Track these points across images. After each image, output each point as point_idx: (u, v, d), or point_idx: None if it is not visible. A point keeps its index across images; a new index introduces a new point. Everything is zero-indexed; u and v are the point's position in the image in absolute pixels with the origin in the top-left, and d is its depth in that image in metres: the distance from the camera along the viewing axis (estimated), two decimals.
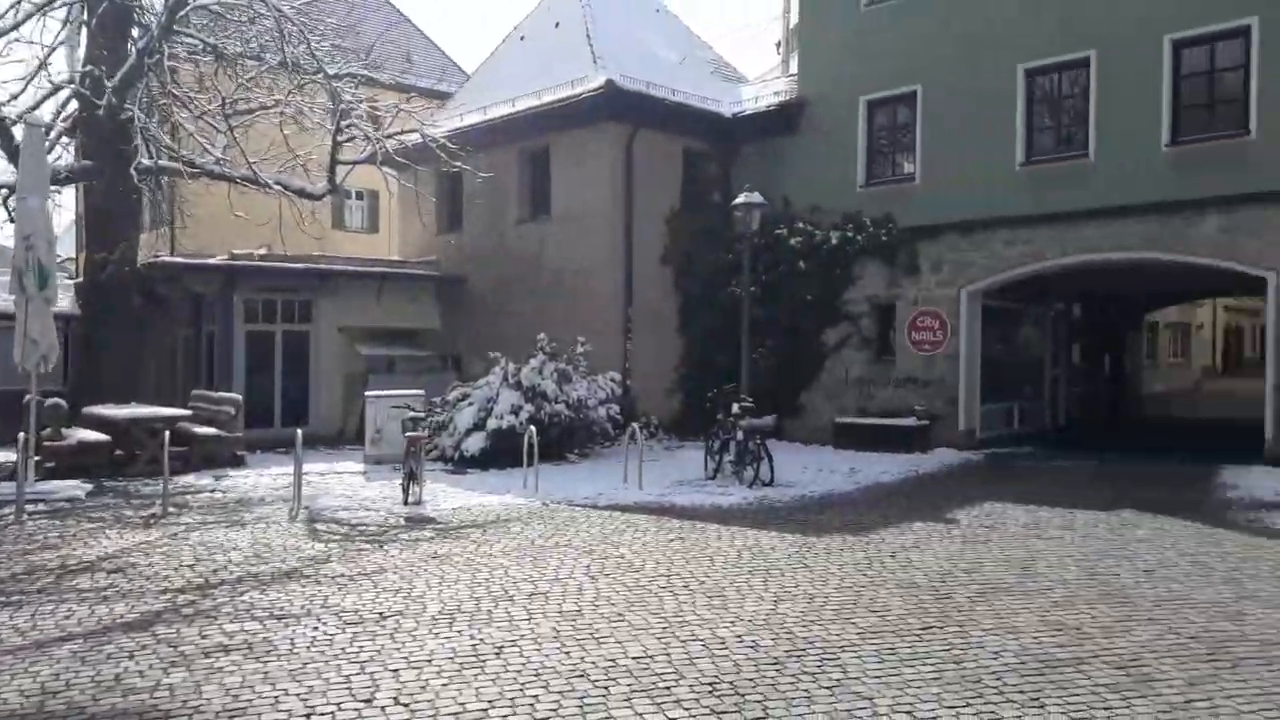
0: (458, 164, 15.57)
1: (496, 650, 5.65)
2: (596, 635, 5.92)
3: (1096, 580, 7.26)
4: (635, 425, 13.19)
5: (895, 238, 16.86)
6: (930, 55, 16.30)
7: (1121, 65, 14.39)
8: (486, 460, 14.47)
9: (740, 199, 14.37)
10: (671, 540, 8.90)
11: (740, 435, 12.66)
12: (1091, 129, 14.77)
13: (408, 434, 11.43)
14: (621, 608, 6.54)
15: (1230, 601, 6.61)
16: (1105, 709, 4.69)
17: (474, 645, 5.75)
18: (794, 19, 19.29)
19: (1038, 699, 4.81)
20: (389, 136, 15.43)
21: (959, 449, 16.22)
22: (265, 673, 5.30)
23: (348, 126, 15.03)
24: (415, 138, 16.13)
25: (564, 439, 15.37)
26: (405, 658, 5.55)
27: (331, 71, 14.68)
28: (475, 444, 14.61)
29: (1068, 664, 5.33)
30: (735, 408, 13.09)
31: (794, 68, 18.94)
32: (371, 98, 16.00)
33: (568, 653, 5.59)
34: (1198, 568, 7.63)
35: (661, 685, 5.05)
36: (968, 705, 4.74)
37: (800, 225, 17.74)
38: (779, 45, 24.03)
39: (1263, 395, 13.98)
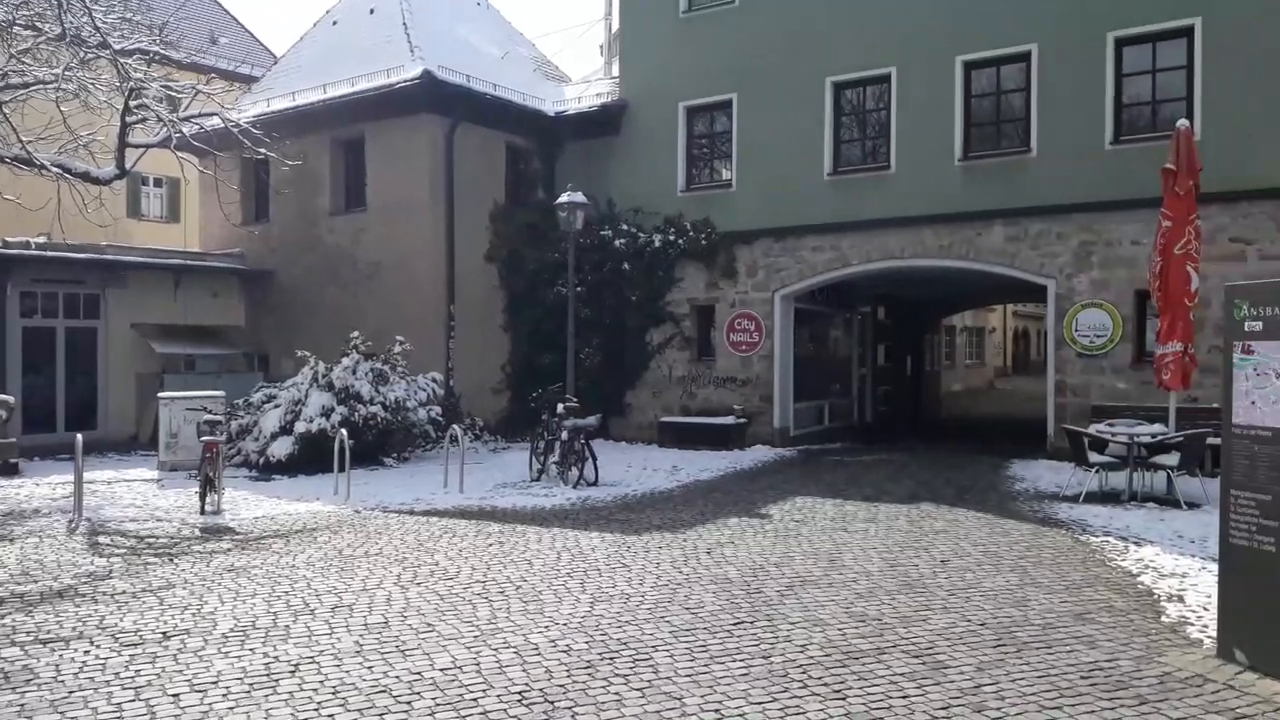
0: (262, 150, 14.64)
1: (292, 668, 5.28)
2: (403, 647, 5.65)
3: (897, 571, 7.60)
4: (456, 427, 12.83)
5: (714, 242, 17.24)
6: (745, 65, 16.77)
7: (919, 83, 15.29)
8: (295, 466, 13.72)
9: (564, 198, 14.29)
10: (489, 545, 8.67)
11: (564, 436, 12.55)
12: (893, 142, 15.61)
13: (203, 438, 10.64)
14: (432, 617, 6.27)
15: (1016, 588, 7.07)
16: (902, 697, 4.87)
17: (267, 664, 5.36)
18: (616, 22, 19.37)
19: (840, 691, 4.94)
20: (185, 119, 14.31)
21: (774, 446, 16.77)
22: (21, 704, 4.74)
23: (138, 107, 13.82)
24: (216, 122, 15.05)
25: (381, 442, 14.78)
26: (188, 680, 5.10)
27: (118, 46, 13.44)
28: (282, 449, 13.82)
29: (869, 654, 5.51)
30: (560, 408, 12.98)
31: (617, 70, 19.04)
32: (166, 76, 14.77)
33: (370, 667, 5.29)
34: (988, 557, 8.13)
35: (469, 697, 4.85)
36: (774, 700, 4.81)
37: (625, 226, 17.85)
38: (603, 47, 24.13)
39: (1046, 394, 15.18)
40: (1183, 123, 10.91)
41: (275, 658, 5.46)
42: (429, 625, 6.09)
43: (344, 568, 7.78)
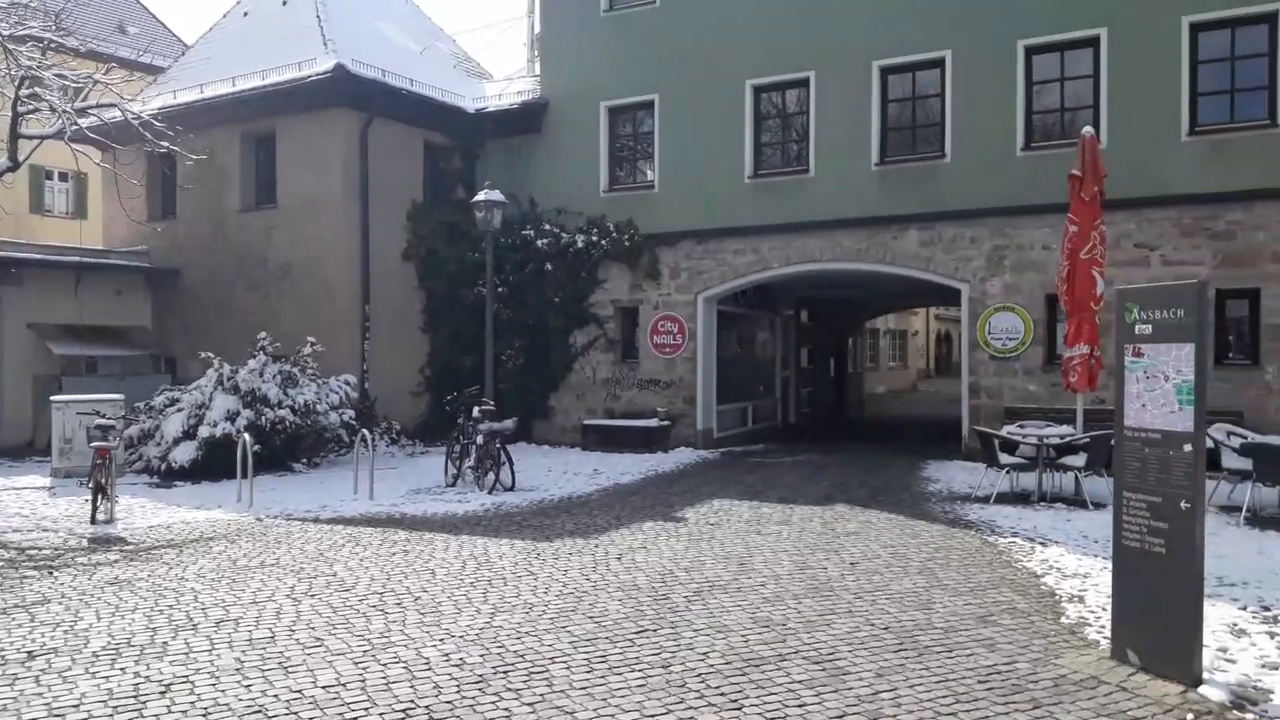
0: (165, 144, 14.07)
1: (163, 689, 4.98)
2: (286, 664, 5.38)
3: (806, 574, 7.56)
4: (366, 431, 12.47)
5: (637, 243, 17.13)
6: (667, 66, 16.71)
7: (837, 87, 15.40)
8: (199, 472, 13.22)
9: (480, 196, 14.03)
10: (393, 554, 8.39)
11: (480, 440, 12.28)
12: (811, 146, 15.70)
13: (94, 444, 10.13)
14: (322, 631, 6.00)
15: (922, 590, 7.08)
16: (799, 706, 4.79)
17: (137, 684, 5.04)
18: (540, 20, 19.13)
19: (737, 700, 4.84)
20: (82, 111, 13.66)
21: (698, 448, 16.74)
22: None
23: (30, 96, 13.15)
24: (116, 114, 14.41)
25: (290, 447, 14.30)
26: (47, 704, 4.77)
27: (9, 32, 12.78)
28: (185, 454, 13.29)
29: (770, 661, 5.43)
30: (475, 411, 12.71)
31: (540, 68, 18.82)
32: (62, 64, 14.09)
33: (248, 686, 5.02)
34: (897, 559, 8.15)
35: (349, 716, 4.62)
36: (668, 712, 4.68)
37: (547, 227, 17.64)
38: (526, 45, 23.85)
39: None
40: (1088, 130, 11.15)
41: (147, 678, 5.15)
42: (318, 640, 5.82)
43: (236, 579, 7.43)
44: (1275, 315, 12.55)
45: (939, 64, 14.71)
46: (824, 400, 25.93)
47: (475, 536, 9.18)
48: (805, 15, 15.63)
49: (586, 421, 17.38)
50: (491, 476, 12.09)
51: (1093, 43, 13.61)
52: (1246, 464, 9.78)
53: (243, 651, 5.60)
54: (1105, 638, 5.78)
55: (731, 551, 8.40)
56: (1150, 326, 5.20)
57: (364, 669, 5.29)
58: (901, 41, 14.90)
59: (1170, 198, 13.12)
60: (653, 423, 16.80)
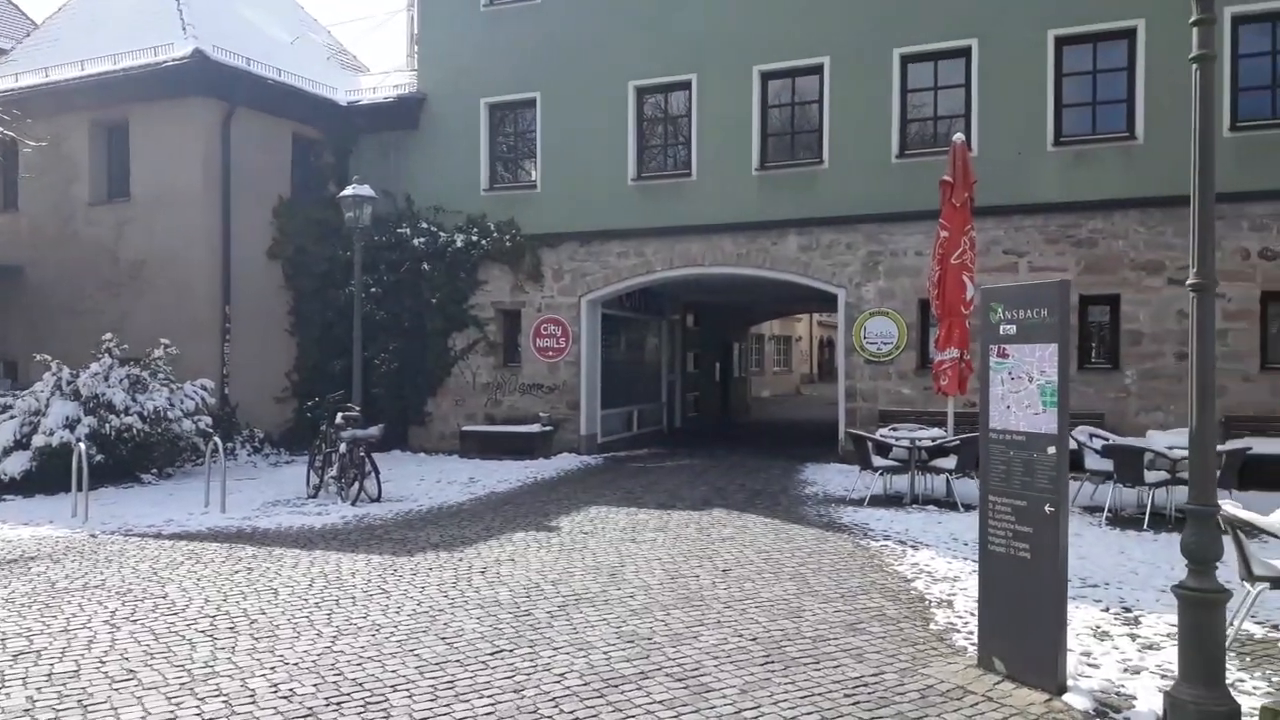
0: (2, 130, 12.90)
1: None
2: (88, 701, 4.77)
3: (677, 584, 7.29)
4: (217, 439, 11.63)
5: (519, 244, 16.68)
6: (549, 63, 16.35)
7: (719, 91, 15.31)
8: (33, 485, 12.16)
9: (348, 190, 13.38)
10: (236, 573, 7.74)
11: (343, 448, 11.62)
12: (694, 149, 15.57)
13: None
14: (137, 662, 5.39)
15: (793, 598, 6.90)
16: None
17: None
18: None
19: None
20: None
21: (581, 453, 16.39)
22: None
23: None
24: None
25: (139, 457, 13.30)
26: None
27: None
28: (17, 465, 12.21)
29: (631, 680, 5.11)
30: (339, 417, 12.04)
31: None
32: None
33: None
34: (770, 565, 7.97)
35: None
36: None
37: (424, 225, 17.01)
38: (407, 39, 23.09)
39: None
40: (958, 137, 11.31)
41: None
42: (130, 672, 5.21)
43: (50, 604, 6.68)
44: (1133, 321, 13.03)
45: (818, 70, 14.78)
46: (710, 404, 25.98)
47: (330, 551, 8.59)
48: (687, 17, 15.50)
49: (465, 428, 16.81)
50: (356, 487, 11.44)
51: (965, 53, 13.89)
52: (1107, 465, 10.03)
53: (38, 689, 4.96)
54: (973, 644, 5.68)
55: (603, 561, 8.07)
56: (1014, 326, 5.11)
57: (177, 705, 4.73)
58: (782, 46, 14.92)
59: (1037, 206, 13.49)
60: (535, 428, 16.36)
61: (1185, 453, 9.77)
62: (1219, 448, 9.75)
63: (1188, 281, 4.48)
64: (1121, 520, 9.90)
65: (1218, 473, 9.62)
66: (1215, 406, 4.45)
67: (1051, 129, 13.43)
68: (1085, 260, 13.23)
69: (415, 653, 5.58)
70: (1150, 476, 9.68)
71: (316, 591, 7.07)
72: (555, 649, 5.65)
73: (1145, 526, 9.50)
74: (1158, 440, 10.28)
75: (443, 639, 5.86)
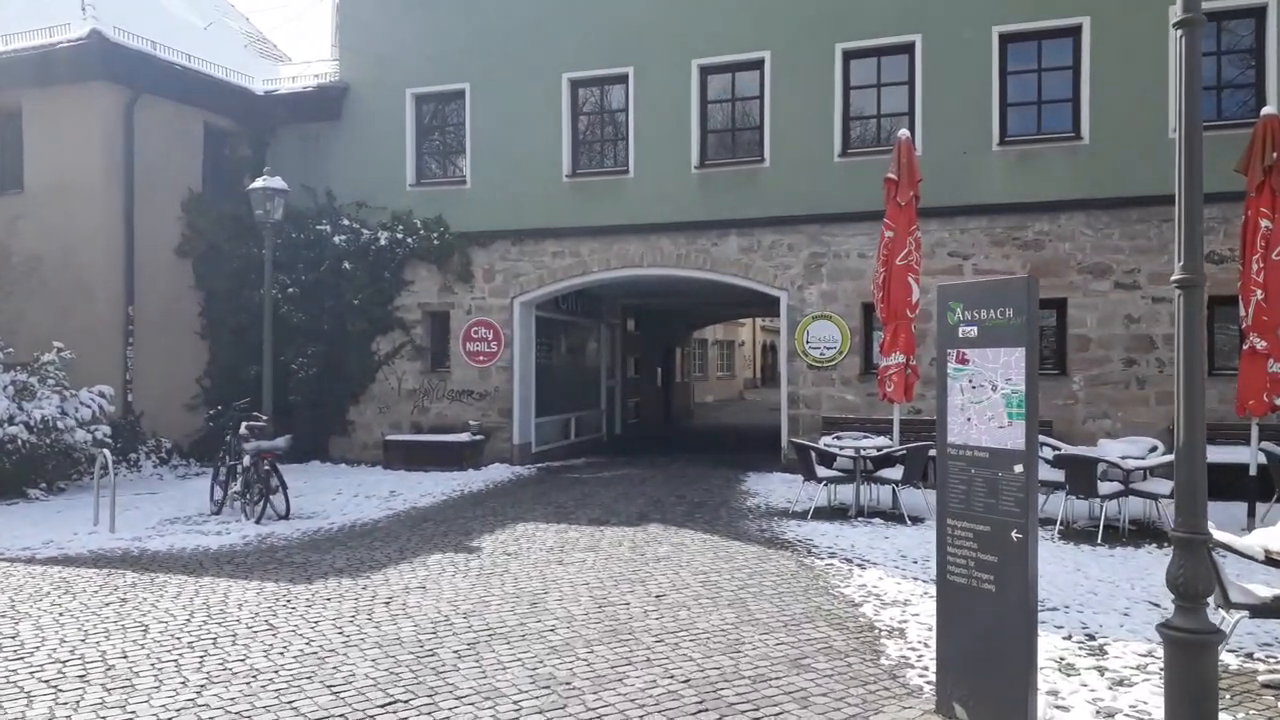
0: None
1: None
2: None
3: (605, 614, 6.60)
4: (106, 452, 10.62)
5: (448, 242, 15.85)
6: (478, 53, 15.56)
7: (657, 85, 14.70)
8: None
9: (258, 183, 12.44)
10: (107, 605, 6.85)
11: (247, 460, 10.70)
12: (631, 145, 14.92)
13: None
14: None
15: (732, 628, 6.26)
16: None
17: None
18: None
19: None
20: None
21: (513, 463, 15.63)
22: None
23: None
24: None
25: (25, 470, 12.21)
26: None
27: None
28: None
29: None
30: (243, 427, 11.12)
31: None
32: None
33: None
34: (707, 589, 7.33)
35: None
36: None
37: (346, 221, 16.08)
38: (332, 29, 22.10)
39: None
40: (903, 133, 10.83)
41: None
42: None
43: None
44: (1080, 325, 12.71)
45: (758, 65, 14.25)
46: (651, 410, 25.38)
47: (220, 578, 7.73)
48: (623, 7, 14.86)
49: (389, 437, 15.91)
50: (261, 503, 10.52)
51: (908, 49, 13.47)
52: (1058, 476, 9.60)
53: None
54: (928, 683, 5.11)
55: (524, 588, 7.35)
56: (975, 328, 4.53)
57: None
58: (721, 40, 14.36)
59: (982, 207, 13.11)
60: (464, 437, 15.53)
61: (1139, 463, 9.44)
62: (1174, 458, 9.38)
63: (1173, 277, 3.94)
64: (1074, 534, 9.47)
65: (1171, 484, 9.26)
66: (1205, 415, 3.91)
67: (996, 128, 13.06)
68: (1032, 263, 12.87)
69: (294, 705, 4.81)
70: (1103, 488, 9.27)
71: (194, 628, 6.23)
72: (458, 698, 4.92)
73: (1099, 540, 9.07)
74: (1110, 449, 9.89)
75: (329, 687, 5.09)
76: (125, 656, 5.61)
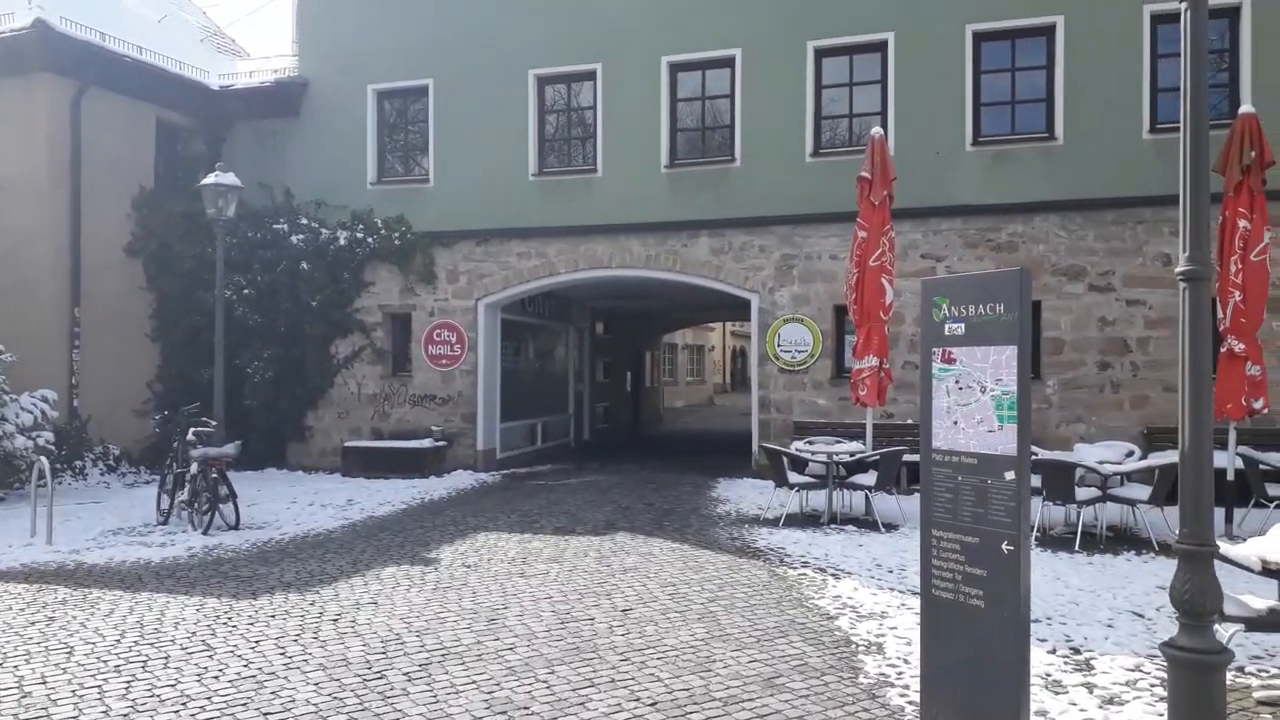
0: None
1: None
2: None
3: (568, 630, 6.24)
4: (44, 459, 10.08)
5: (410, 242, 15.41)
6: (442, 49, 15.16)
7: (626, 82, 14.38)
8: None
9: (209, 179, 11.94)
10: (33, 624, 6.38)
11: (194, 468, 10.20)
12: (599, 144, 14.58)
13: None
14: None
15: (701, 644, 5.92)
16: None
17: None
18: None
19: None
20: None
21: (477, 470, 15.20)
22: None
23: None
24: None
25: None
26: None
27: None
28: None
29: None
30: (190, 433, 10.62)
31: None
32: None
33: None
34: (676, 602, 6.99)
35: None
36: None
37: (304, 221, 15.58)
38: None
39: None
40: (877, 131, 10.58)
41: None
42: None
43: None
44: (1054, 329, 12.54)
45: (729, 62, 13.97)
46: (620, 415, 25.01)
47: (158, 594, 7.26)
48: (593, 3, 14.54)
49: (348, 443, 15.41)
50: (209, 513, 10.03)
51: (880, 47, 13.27)
52: (1035, 481, 9.36)
53: None
54: (910, 703, 4.80)
55: (483, 603, 6.96)
56: (962, 325, 4.23)
57: None
58: (691, 36, 14.07)
59: (955, 208, 12.92)
60: (426, 443, 15.08)
61: (1117, 468, 9.24)
62: (1155, 462, 9.21)
63: (1178, 269, 3.66)
64: (1051, 540, 9.24)
65: (1149, 489, 9.07)
66: (1213, 417, 3.63)
67: (970, 128, 12.88)
68: (1005, 265, 12.66)
69: None
70: (1081, 494, 9.05)
71: (124, 649, 5.78)
72: None
73: (1077, 547, 8.85)
74: (1087, 454, 9.69)
75: (265, 715, 4.68)
76: (44, 682, 5.16)
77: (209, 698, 4.92)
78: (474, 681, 5.20)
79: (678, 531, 9.98)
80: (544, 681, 5.20)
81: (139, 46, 14.78)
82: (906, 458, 10.72)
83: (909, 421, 12.54)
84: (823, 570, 8.09)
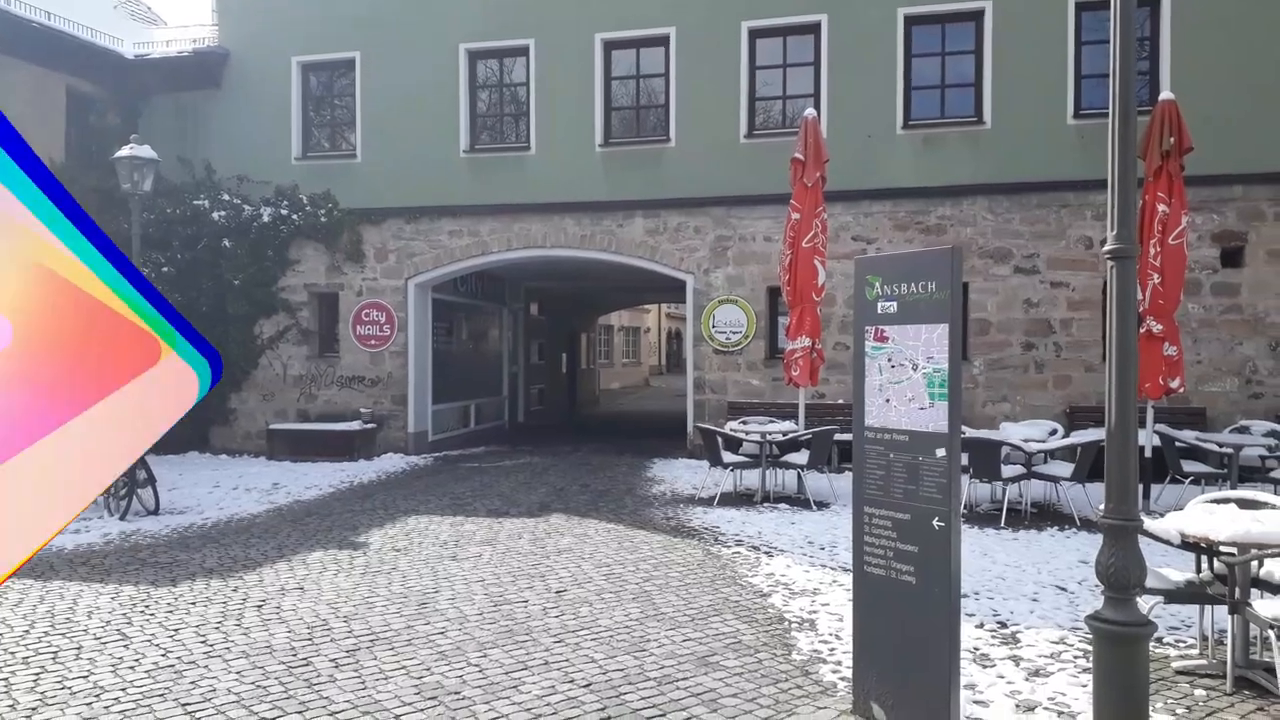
0: None
1: None
2: None
3: (501, 613, 6.15)
4: None
5: (336, 220, 15.02)
6: (370, 20, 14.75)
7: (559, 58, 14.19)
8: None
9: (123, 151, 11.43)
10: None
11: None
12: (532, 121, 14.38)
13: None
14: None
15: (636, 624, 5.89)
16: None
17: None
18: None
19: None
20: None
21: (408, 453, 14.97)
22: None
23: None
24: None
25: None
26: None
27: None
28: None
29: None
30: None
31: None
32: None
33: None
34: (611, 583, 6.95)
35: None
36: None
37: (226, 196, 15.07)
38: None
39: None
40: (810, 112, 10.61)
41: None
42: None
43: None
44: (981, 310, 12.79)
45: (664, 41, 13.87)
46: (556, 397, 24.84)
47: (71, 582, 6.96)
48: None
49: (274, 426, 15.01)
50: (126, 498, 9.67)
51: (814, 29, 13.30)
52: (963, 460, 9.54)
53: None
54: (843, 679, 4.84)
55: (413, 587, 6.83)
56: (895, 304, 4.24)
57: None
58: (626, 13, 13.93)
59: (886, 191, 13.06)
60: (355, 426, 14.77)
61: (1041, 446, 9.46)
62: (1077, 440, 9.45)
63: (1105, 248, 3.71)
64: (978, 517, 9.44)
65: (1071, 466, 9.32)
66: (1136, 393, 3.70)
67: (901, 112, 13.01)
68: (934, 247, 12.86)
69: None
70: (1006, 471, 9.26)
71: (33, 640, 5.52)
72: (333, 714, 4.42)
73: (1002, 524, 9.06)
74: (1012, 432, 9.91)
75: (184, 706, 4.51)
76: None
77: (124, 689, 4.73)
78: (404, 667, 5.08)
79: (613, 512, 9.94)
80: (476, 665, 5.12)
81: (46, 11, 14.07)
82: (838, 437, 10.84)
83: (840, 401, 12.70)
84: (756, 548, 8.13)
